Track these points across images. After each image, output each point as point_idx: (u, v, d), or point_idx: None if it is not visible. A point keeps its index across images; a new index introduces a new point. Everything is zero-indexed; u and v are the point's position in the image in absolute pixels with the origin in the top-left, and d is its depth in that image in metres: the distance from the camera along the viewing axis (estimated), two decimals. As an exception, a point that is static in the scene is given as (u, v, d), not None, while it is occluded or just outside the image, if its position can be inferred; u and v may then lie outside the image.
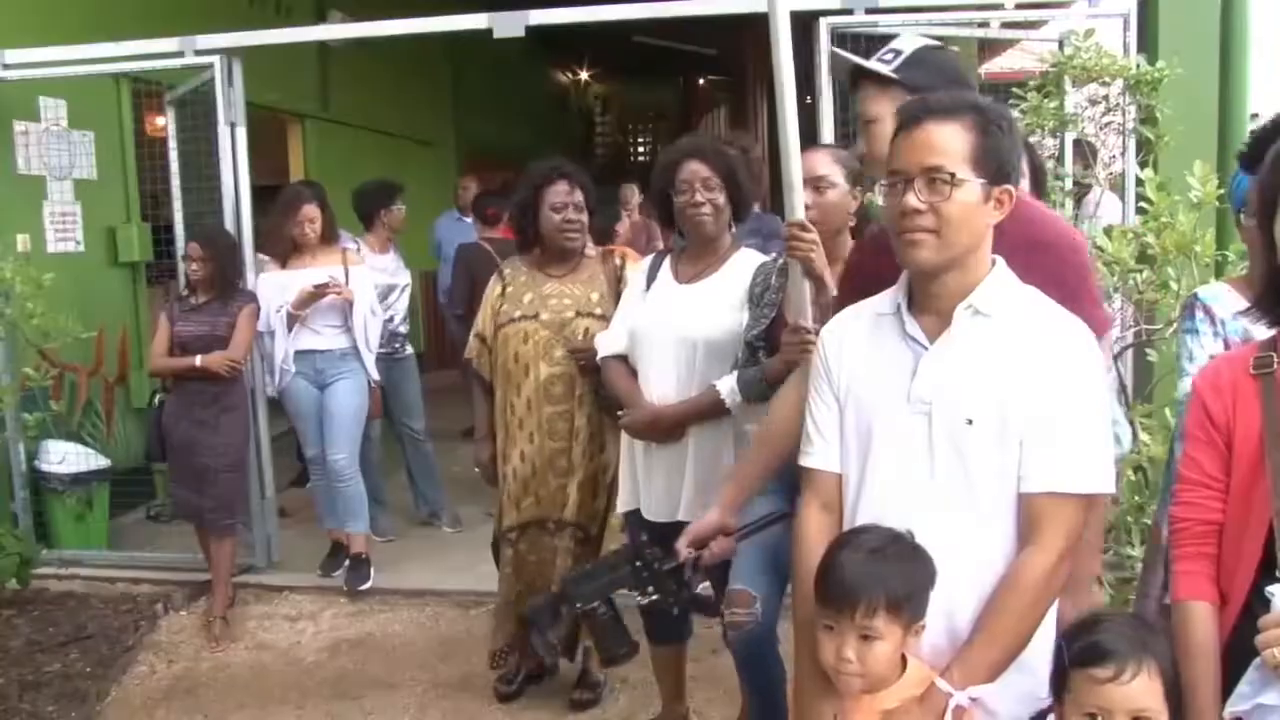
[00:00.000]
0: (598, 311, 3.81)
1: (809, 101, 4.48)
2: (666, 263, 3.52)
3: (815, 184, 2.96)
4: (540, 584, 3.89)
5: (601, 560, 3.23)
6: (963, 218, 1.86)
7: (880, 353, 2.00)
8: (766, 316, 3.12)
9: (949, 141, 1.87)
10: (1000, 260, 1.97)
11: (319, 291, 5.19)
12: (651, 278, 3.51)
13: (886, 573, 1.84)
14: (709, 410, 3.24)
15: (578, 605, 2.58)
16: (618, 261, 4.01)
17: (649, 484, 3.42)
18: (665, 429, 3.32)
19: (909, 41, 2.39)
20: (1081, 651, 1.76)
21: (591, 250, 4.11)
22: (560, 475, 3.85)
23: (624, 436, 3.52)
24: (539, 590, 3.81)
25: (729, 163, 3.34)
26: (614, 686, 4.23)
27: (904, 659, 1.88)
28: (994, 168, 1.88)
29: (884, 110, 2.32)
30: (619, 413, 3.46)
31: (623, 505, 3.57)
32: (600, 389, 3.72)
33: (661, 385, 3.36)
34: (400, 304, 6.15)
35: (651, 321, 3.40)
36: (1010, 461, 1.88)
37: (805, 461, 2.10)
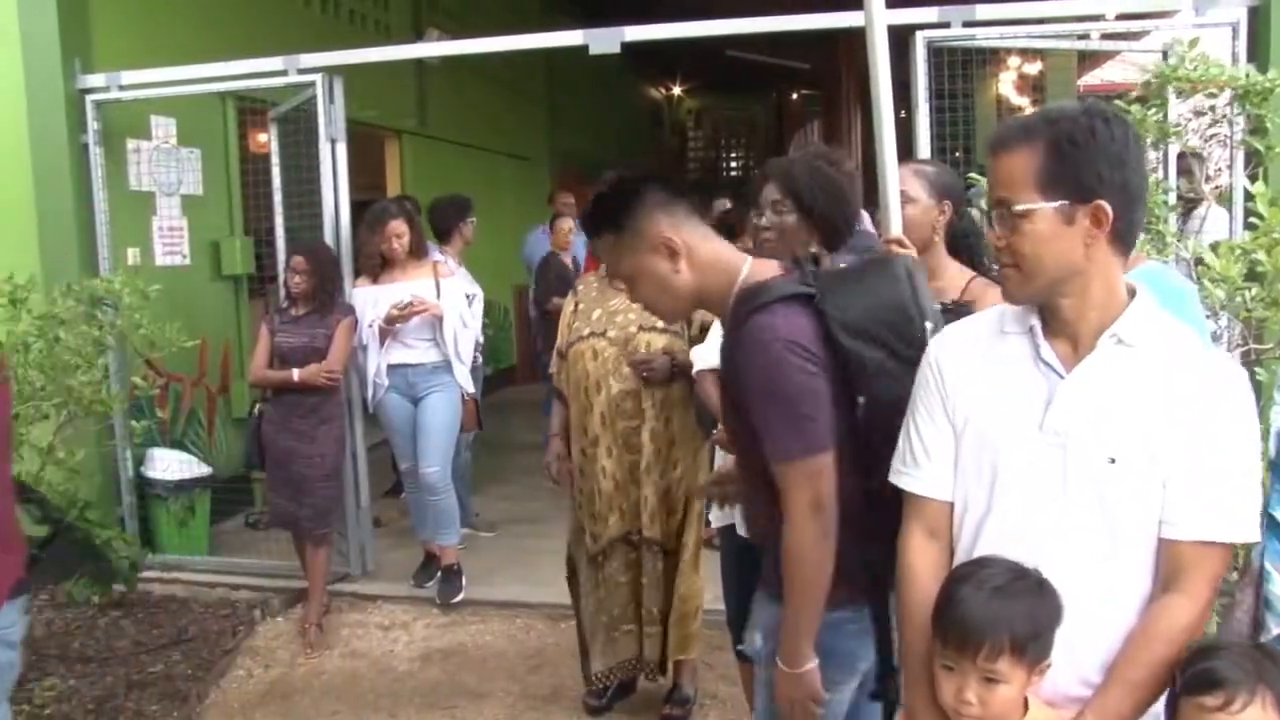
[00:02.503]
0: (659, 325, 3.78)
1: (903, 115, 4.45)
2: None
3: (908, 197, 2.91)
4: (633, 604, 3.92)
5: None
6: (1037, 249, 1.76)
7: (1008, 376, 1.87)
8: None
9: (1014, 170, 1.76)
10: (1143, 288, 1.84)
11: (404, 313, 5.28)
12: None
13: (1012, 612, 1.74)
14: None
15: None
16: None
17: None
18: None
19: None
20: (1193, 678, 1.70)
21: None
22: (639, 487, 3.88)
23: (718, 452, 3.51)
24: (631, 610, 3.85)
25: (801, 184, 3.15)
26: (704, 702, 4.22)
27: (1026, 700, 1.80)
28: (1072, 186, 1.73)
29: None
30: (715, 429, 3.43)
31: (717, 520, 3.55)
32: (694, 402, 3.72)
33: None
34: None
35: None
36: (1153, 502, 1.77)
37: (910, 485, 1.97)
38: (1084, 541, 1.80)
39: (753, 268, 2.24)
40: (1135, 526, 1.78)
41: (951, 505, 1.94)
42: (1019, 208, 1.75)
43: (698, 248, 2.23)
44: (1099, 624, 1.81)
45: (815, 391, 2.09)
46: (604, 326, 3.89)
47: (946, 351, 1.97)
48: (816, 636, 2.18)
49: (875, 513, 2.10)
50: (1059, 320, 1.83)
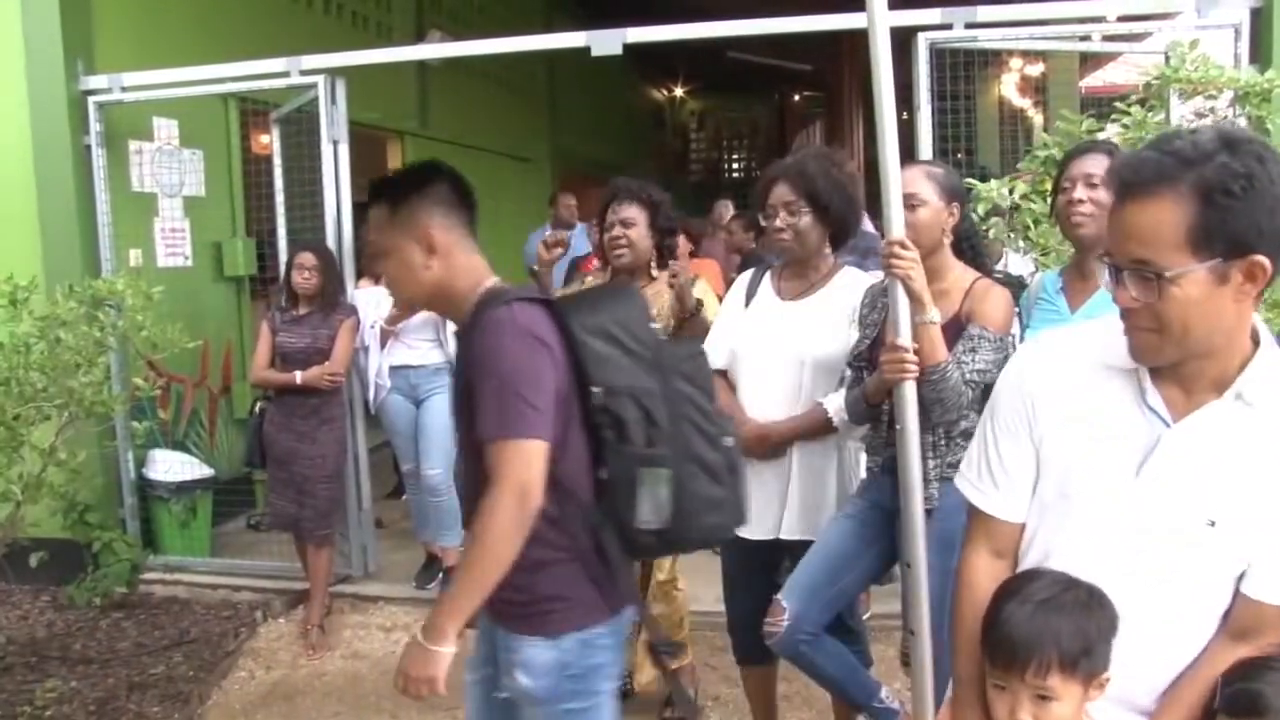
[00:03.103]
0: (656, 326, 3.79)
1: (905, 118, 4.45)
2: (768, 279, 3.46)
3: (906, 201, 2.85)
4: None
5: None
6: (1186, 314, 1.57)
7: (1107, 414, 1.73)
8: (868, 336, 3.09)
9: (1156, 226, 1.54)
10: (1269, 337, 1.69)
11: (406, 311, 5.25)
12: (751, 293, 3.46)
13: (1059, 626, 1.67)
14: (816, 428, 3.23)
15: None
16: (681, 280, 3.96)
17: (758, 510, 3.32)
18: (772, 445, 3.27)
19: None
20: (1232, 697, 1.66)
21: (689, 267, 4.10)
22: None
23: None
24: None
25: (816, 184, 3.25)
26: (705, 703, 4.21)
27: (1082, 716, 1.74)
28: (1229, 243, 1.53)
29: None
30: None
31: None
32: None
33: (767, 402, 3.31)
34: None
35: (756, 337, 3.35)
36: (1241, 561, 1.70)
37: (983, 504, 1.89)
38: (1158, 587, 1.73)
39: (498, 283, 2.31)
40: (1217, 582, 1.72)
41: (1022, 527, 1.86)
42: (1170, 273, 1.55)
43: (455, 253, 2.30)
44: (1155, 652, 1.75)
45: (538, 376, 2.12)
46: None
47: (1038, 367, 1.83)
48: (570, 657, 2.22)
49: (605, 502, 2.16)
50: (1171, 366, 1.68)
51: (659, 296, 3.84)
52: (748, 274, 3.58)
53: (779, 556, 3.31)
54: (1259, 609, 1.70)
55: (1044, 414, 1.80)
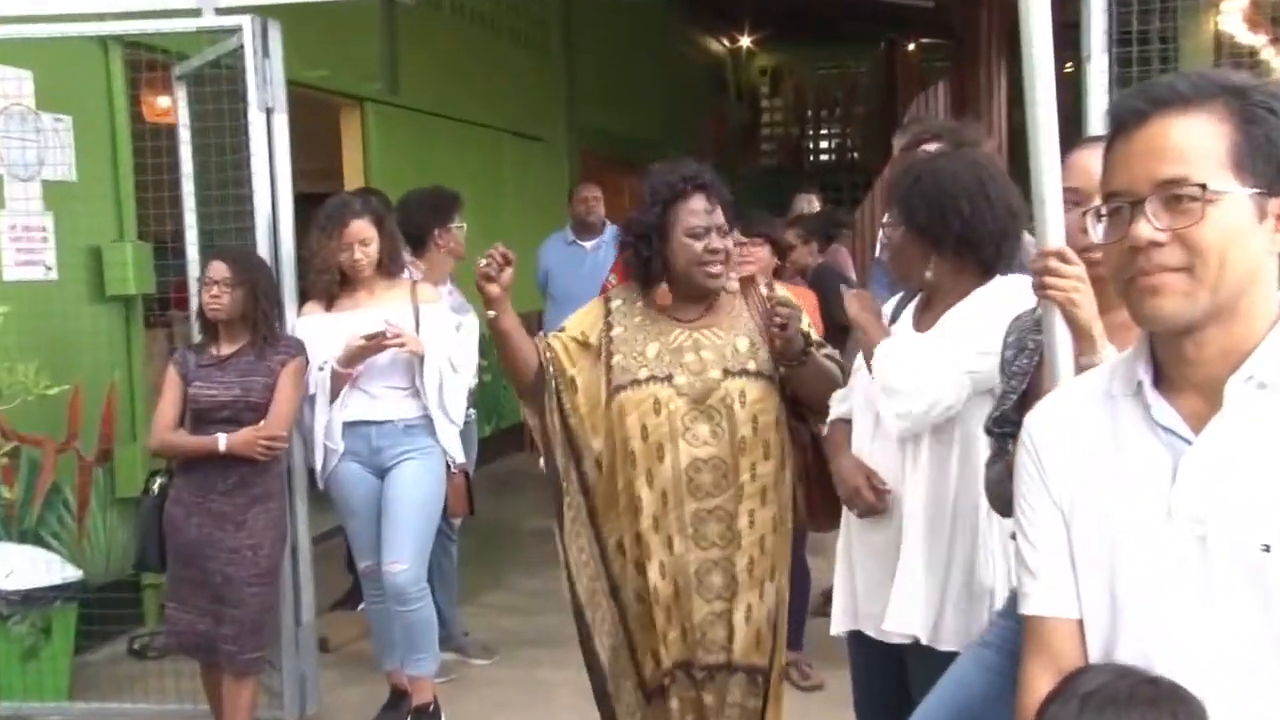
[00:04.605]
0: (751, 366, 3.87)
1: (1071, 70, 4.40)
2: (912, 306, 3.56)
3: (1071, 196, 2.77)
4: None
5: None
6: (1227, 246, 1.77)
7: (1117, 450, 1.92)
8: (1015, 389, 3.00)
9: (1198, 138, 1.79)
10: None
11: (372, 344, 5.19)
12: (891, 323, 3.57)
13: None
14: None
15: None
16: (764, 290, 4.04)
17: (869, 586, 3.47)
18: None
19: None
20: None
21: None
22: (716, 598, 3.88)
23: (841, 540, 3.60)
24: None
25: (900, 192, 3.41)
26: None
27: None
28: (1272, 170, 1.79)
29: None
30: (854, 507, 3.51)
31: (838, 625, 3.58)
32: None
33: (877, 460, 3.43)
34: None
35: (868, 380, 3.44)
36: None
37: (1025, 608, 2.05)
38: (1233, 652, 1.82)
39: None
40: None
41: (1079, 626, 1.98)
42: (1215, 186, 1.77)
43: None
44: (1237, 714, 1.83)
45: None
46: (669, 369, 3.89)
47: (1042, 425, 2.05)
48: None
49: None
50: (1182, 363, 1.87)
51: (737, 321, 3.97)
52: (894, 300, 3.68)
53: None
54: None
55: (1055, 472, 2.00)
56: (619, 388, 3.93)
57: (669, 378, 3.87)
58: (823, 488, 3.84)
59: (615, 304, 4.08)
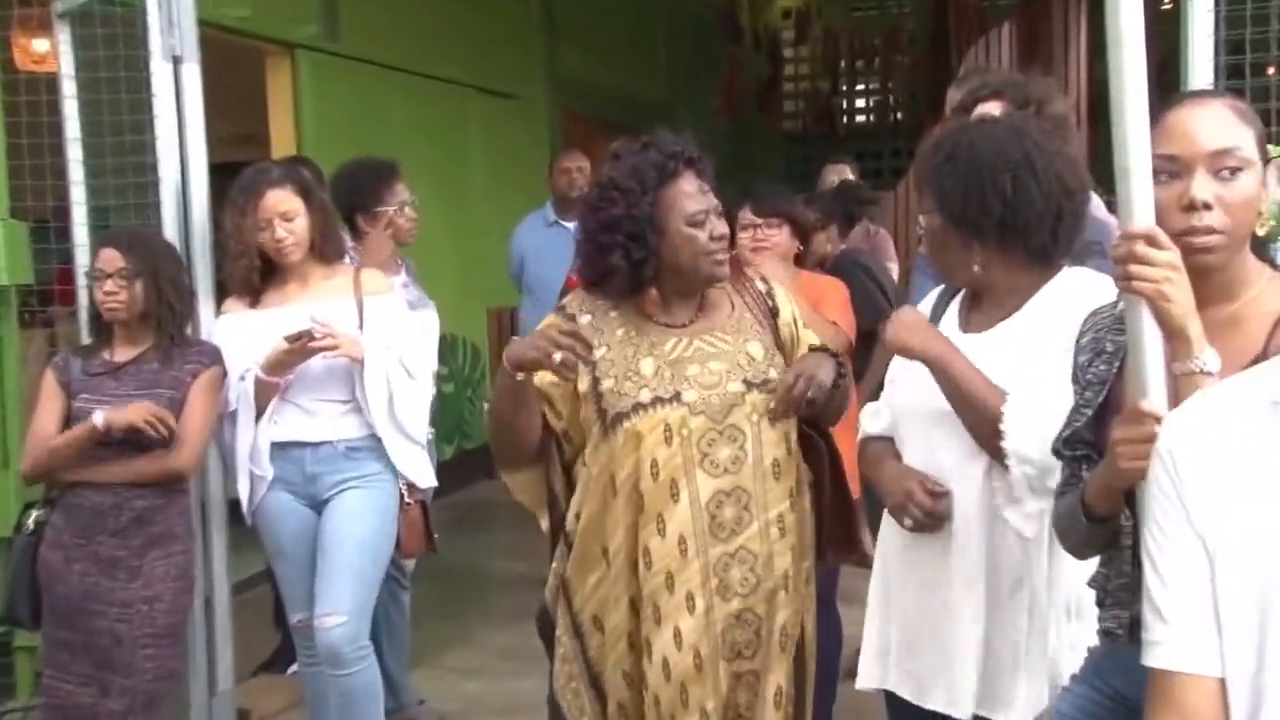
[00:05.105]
0: (772, 375, 3.82)
1: (1169, 6, 4.33)
2: (957, 302, 3.62)
3: (1181, 168, 2.73)
4: None
5: None
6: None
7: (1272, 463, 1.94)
8: (1090, 402, 2.94)
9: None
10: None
11: (297, 347, 5.01)
12: (935, 321, 3.61)
13: None
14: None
15: None
16: (761, 286, 4.04)
17: (907, 635, 3.54)
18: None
19: None
20: None
21: None
22: (748, 659, 3.78)
23: (876, 576, 3.69)
24: None
25: (929, 173, 3.48)
26: None
27: None
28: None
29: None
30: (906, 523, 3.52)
31: (868, 678, 3.67)
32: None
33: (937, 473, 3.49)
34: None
35: (919, 390, 3.48)
36: None
37: (1152, 658, 2.04)
38: None
39: None
40: None
41: (1221, 685, 1.96)
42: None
43: None
44: None
45: None
46: (672, 385, 3.77)
47: (1185, 440, 2.06)
48: None
49: None
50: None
51: (740, 322, 3.93)
52: (934, 293, 3.76)
53: None
54: None
55: (1197, 496, 1.99)
56: (620, 415, 3.78)
57: (676, 396, 3.77)
58: (835, 509, 3.99)
59: (583, 320, 3.93)
